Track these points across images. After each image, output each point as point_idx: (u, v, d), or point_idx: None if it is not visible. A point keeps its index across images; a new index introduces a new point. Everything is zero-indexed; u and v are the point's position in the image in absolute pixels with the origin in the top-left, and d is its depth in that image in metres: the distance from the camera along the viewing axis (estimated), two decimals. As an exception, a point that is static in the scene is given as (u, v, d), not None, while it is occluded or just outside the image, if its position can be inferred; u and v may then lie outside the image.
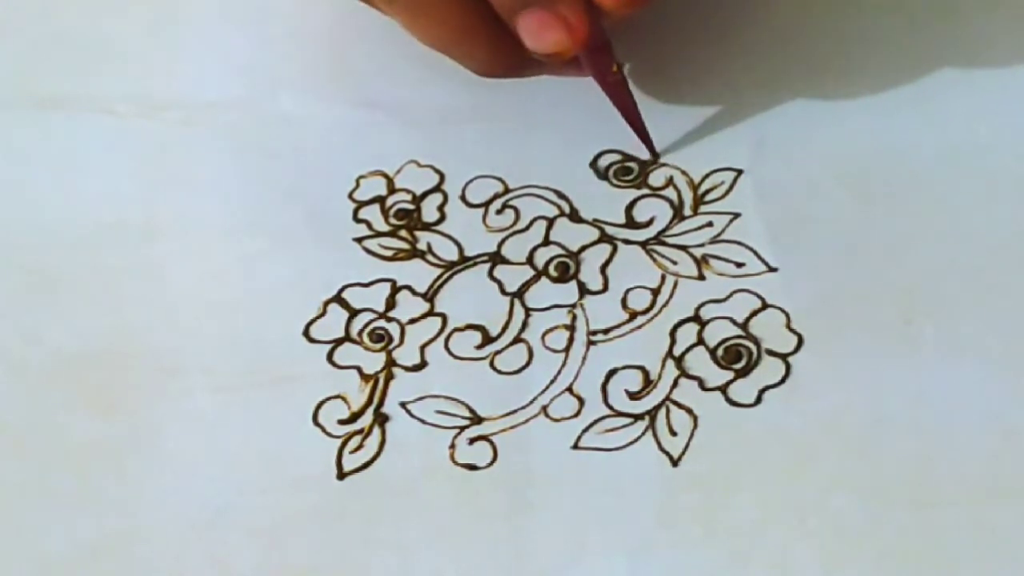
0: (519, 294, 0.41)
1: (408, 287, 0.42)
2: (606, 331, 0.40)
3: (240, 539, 0.37)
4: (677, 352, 0.40)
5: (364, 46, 0.47)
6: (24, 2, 0.49)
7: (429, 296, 0.41)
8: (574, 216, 0.43)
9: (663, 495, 0.37)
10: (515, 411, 0.39)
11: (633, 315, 0.41)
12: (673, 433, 0.38)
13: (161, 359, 0.40)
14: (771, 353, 0.39)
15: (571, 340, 0.40)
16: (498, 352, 0.40)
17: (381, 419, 0.39)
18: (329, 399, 0.39)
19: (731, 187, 0.43)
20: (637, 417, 0.39)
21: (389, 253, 0.42)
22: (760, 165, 0.43)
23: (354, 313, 0.41)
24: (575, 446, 0.38)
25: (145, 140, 0.45)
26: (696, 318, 0.40)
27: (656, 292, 0.41)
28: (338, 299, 0.41)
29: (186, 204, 0.44)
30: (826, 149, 0.43)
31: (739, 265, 0.41)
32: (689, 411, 0.39)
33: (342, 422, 0.39)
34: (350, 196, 0.44)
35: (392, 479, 0.38)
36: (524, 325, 0.41)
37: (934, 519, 0.36)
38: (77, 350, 0.41)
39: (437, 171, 0.44)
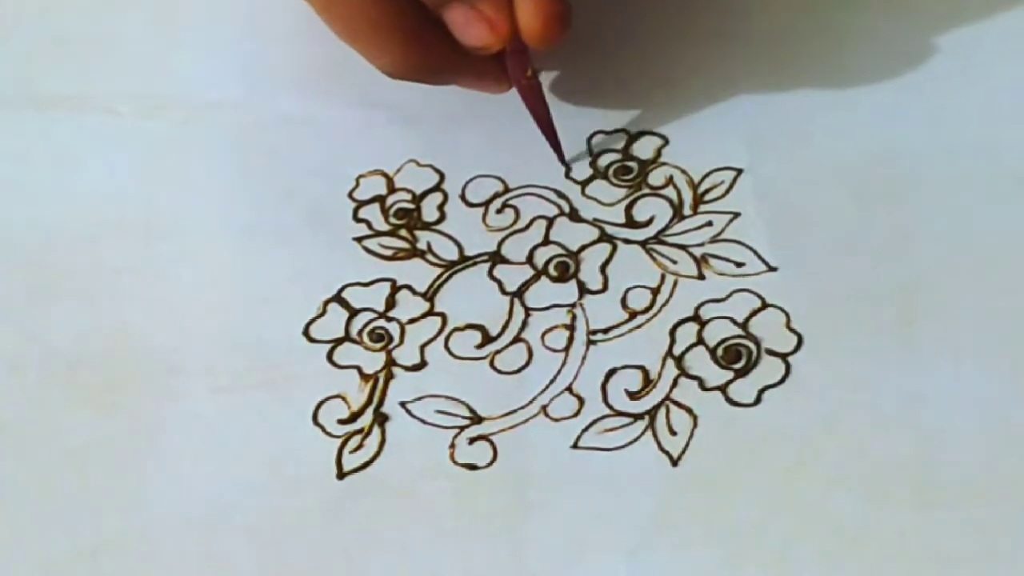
0: (519, 294, 0.41)
1: (408, 287, 0.42)
2: (606, 331, 0.40)
3: (240, 539, 0.37)
4: (677, 352, 0.40)
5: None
6: (25, 2, 0.49)
7: (429, 296, 0.41)
8: (574, 215, 0.43)
9: (663, 495, 0.37)
10: (515, 411, 0.39)
11: (633, 315, 0.41)
12: (673, 433, 0.38)
13: (161, 359, 0.40)
14: (771, 353, 0.39)
15: (571, 340, 0.40)
16: (498, 352, 0.40)
17: (381, 419, 0.39)
18: (329, 399, 0.39)
19: (731, 186, 0.43)
20: (637, 417, 0.39)
21: (389, 253, 0.42)
22: (760, 164, 0.43)
23: (354, 313, 0.41)
24: (575, 446, 0.38)
25: (145, 140, 0.45)
26: (696, 318, 0.40)
27: (656, 292, 0.41)
28: (338, 299, 0.41)
29: (186, 204, 0.44)
30: (826, 148, 0.43)
31: (739, 264, 0.41)
32: (689, 411, 0.39)
33: (342, 422, 0.39)
34: (350, 195, 0.44)
35: (392, 479, 0.38)
36: (524, 325, 0.41)
37: (933, 518, 0.36)
38: (77, 350, 0.41)
39: (437, 170, 0.44)
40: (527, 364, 0.40)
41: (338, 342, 0.41)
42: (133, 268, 0.42)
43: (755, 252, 0.41)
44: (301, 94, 0.46)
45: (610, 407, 0.39)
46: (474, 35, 0.40)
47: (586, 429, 0.39)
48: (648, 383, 0.39)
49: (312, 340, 0.41)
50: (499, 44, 0.40)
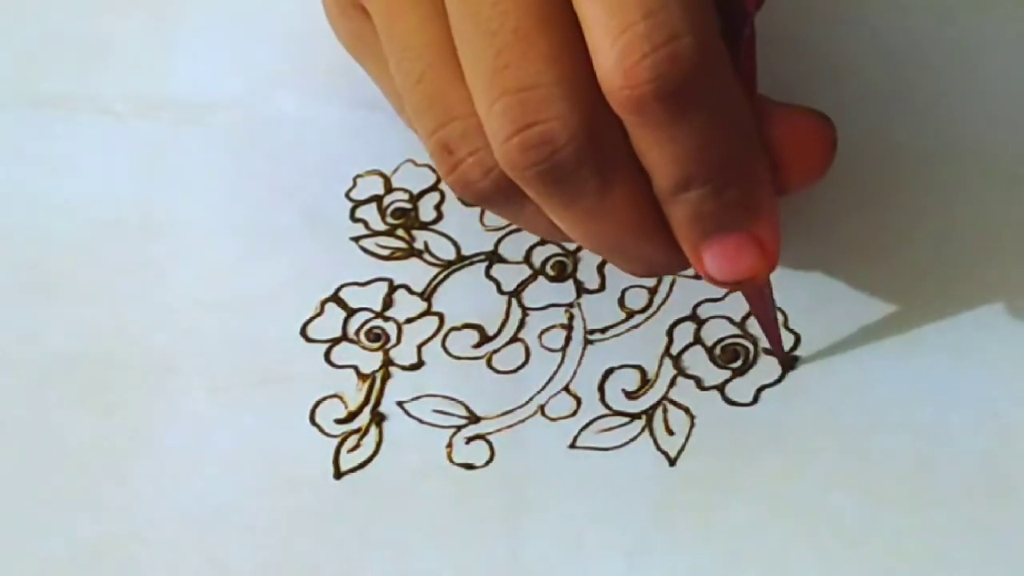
0: (516, 293, 0.41)
1: (405, 286, 0.42)
2: (603, 330, 0.40)
3: (237, 539, 0.37)
4: (674, 351, 0.40)
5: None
6: (21, 1, 0.49)
7: (426, 295, 0.41)
8: (572, 215, 0.43)
9: (660, 494, 0.37)
10: (512, 410, 0.39)
11: (630, 314, 0.40)
12: (670, 432, 0.38)
13: (158, 359, 0.40)
14: (768, 352, 0.39)
15: (568, 339, 0.40)
16: (495, 351, 0.40)
17: (378, 418, 0.39)
18: (326, 398, 0.39)
19: (728, 186, 0.43)
20: (634, 416, 0.39)
21: (386, 252, 0.42)
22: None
23: (351, 312, 0.41)
24: (572, 445, 0.38)
25: (143, 140, 0.45)
26: (693, 317, 0.40)
27: (653, 291, 0.41)
28: (335, 298, 0.41)
29: (183, 204, 0.44)
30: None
31: (736, 264, 0.41)
32: (686, 410, 0.39)
33: (339, 421, 0.39)
34: (347, 195, 0.44)
35: (389, 478, 0.38)
36: (521, 324, 0.41)
37: (932, 518, 0.36)
38: (74, 350, 0.41)
39: (434, 170, 0.44)
40: (524, 364, 0.40)
41: (335, 342, 0.41)
42: (130, 268, 0.42)
43: (752, 251, 0.41)
44: (299, 94, 0.46)
45: (607, 407, 0.39)
46: (742, 268, 0.34)
47: (584, 429, 0.38)
48: (646, 382, 0.39)
49: (309, 340, 0.41)
50: (767, 275, 0.34)
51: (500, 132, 0.32)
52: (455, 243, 0.42)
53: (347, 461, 0.38)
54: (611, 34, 0.31)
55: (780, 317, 0.40)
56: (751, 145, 0.33)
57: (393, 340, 0.41)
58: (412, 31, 0.35)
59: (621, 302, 0.41)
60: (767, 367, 0.39)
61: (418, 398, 0.39)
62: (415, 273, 0.42)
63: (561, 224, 0.35)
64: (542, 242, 0.42)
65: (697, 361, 0.39)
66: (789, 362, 0.39)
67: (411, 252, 0.42)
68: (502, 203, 0.35)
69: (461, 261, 0.42)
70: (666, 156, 0.32)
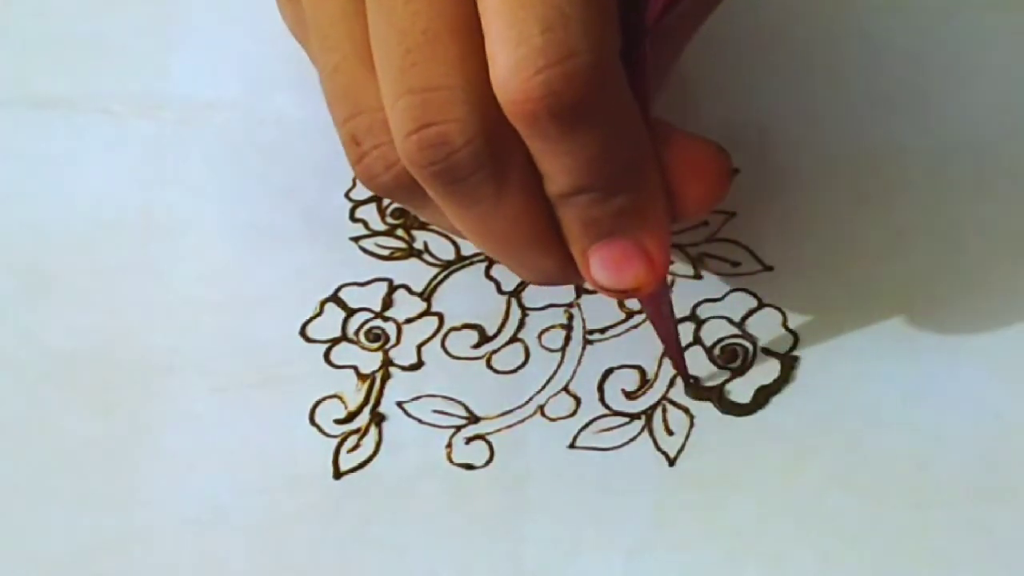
0: (516, 293, 0.41)
1: (405, 286, 0.42)
2: (603, 330, 0.40)
3: (236, 538, 0.37)
4: (674, 351, 0.40)
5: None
6: (20, 1, 0.49)
7: (426, 295, 0.41)
8: (571, 215, 0.43)
9: (660, 494, 0.37)
10: (512, 410, 0.39)
11: (630, 314, 0.40)
12: (670, 432, 0.38)
13: (158, 359, 0.40)
14: (767, 352, 0.39)
15: (568, 339, 0.40)
16: (495, 351, 0.40)
17: (378, 418, 0.39)
18: (326, 398, 0.39)
19: (727, 186, 0.43)
20: (634, 416, 0.39)
21: (386, 252, 0.42)
22: (755, 164, 0.43)
23: (351, 312, 0.41)
24: (572, 445, 0.38)
25: (142, 140, 0.45)
26: (693, 317, 0.40)
27: (653, 291, 0.41)
28: (335, 298, 0.41)
29: (183, 203, 0.44)
30: (822, 148, 0.43)
31: (735, 264, 0.41)
32: (686, 410, 0.39)
33: (339, 421, 0.39)
34: (347, 195, 0.44)
35: (388, 479, 0.38)
36: (521, 324, 0.41)
37: (931, 518, 0.36)
38: (73, 349, 0.41)
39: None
40: (524, 364, 0.40)
41: (335, 342, 0.41)
42: (130, 268, 0.42)
43: (750, 252, 0.41)
44: (299, 94, 0.46)
45: (607, 407, 0.39)
46: (628, 276, 0.34)
47: (583, 429, 0.38)
48: (645, 383, 0.39)
49: (309, 340, 0.41)
50: (652, 287, 0.34)
51: (402, 128, 0.33)
52: (454, 243, 0.42)
53: (347, 461, 0.38)
54: (508, 46, 0.31)
55: (780, 316, 0.40)
56: (644, 158, 0.34)
57: (393, 340, 0.41)
58: (333, 21, 0.35)
59: (620, 302, 0.41)
60: (766, 367, 0.39)
61: (418, 398, 0.39)
62: (415, 273, 0.42)
63: (458, 224, 0.35)
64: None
65: (696, 361, 0.39)
66: (695, 386, 0.39)
67: (411, 252, 0.42)
68: (404, 197, 0.36)
69: (461, 261, 0.42)
70: (558, 166, 0.33)
